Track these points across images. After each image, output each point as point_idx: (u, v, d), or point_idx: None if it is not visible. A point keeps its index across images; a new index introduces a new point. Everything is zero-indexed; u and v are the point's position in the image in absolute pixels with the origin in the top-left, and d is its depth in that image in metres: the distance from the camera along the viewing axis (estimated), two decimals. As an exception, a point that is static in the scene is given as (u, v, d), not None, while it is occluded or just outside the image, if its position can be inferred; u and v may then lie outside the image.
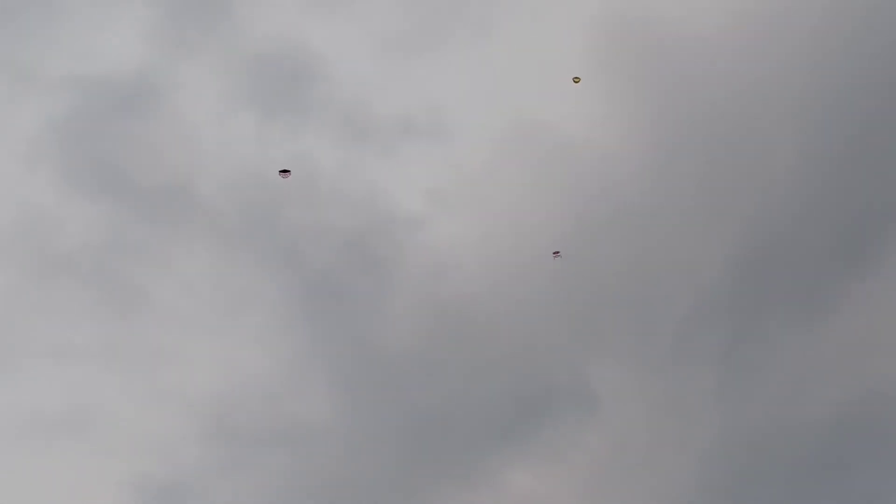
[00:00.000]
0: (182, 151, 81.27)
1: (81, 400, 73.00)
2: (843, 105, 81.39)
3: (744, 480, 72.98)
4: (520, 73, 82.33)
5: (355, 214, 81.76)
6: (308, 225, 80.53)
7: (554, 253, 68.76)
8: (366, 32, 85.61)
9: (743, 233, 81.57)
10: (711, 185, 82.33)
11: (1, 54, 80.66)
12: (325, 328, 79.13)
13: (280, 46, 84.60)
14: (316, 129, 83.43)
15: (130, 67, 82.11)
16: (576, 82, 68.16)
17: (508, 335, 78.71)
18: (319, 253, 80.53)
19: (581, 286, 79.66)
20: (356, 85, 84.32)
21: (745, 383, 76.99)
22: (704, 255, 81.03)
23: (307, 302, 79.71)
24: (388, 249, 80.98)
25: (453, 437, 75.47)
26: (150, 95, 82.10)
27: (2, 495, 68.19)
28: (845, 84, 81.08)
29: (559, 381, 78.22)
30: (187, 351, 76.02)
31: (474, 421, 76.02)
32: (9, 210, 77.63)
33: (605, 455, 75.65)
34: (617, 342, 79.28)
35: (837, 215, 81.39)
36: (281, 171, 65.52)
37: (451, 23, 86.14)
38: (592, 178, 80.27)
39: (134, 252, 78.49)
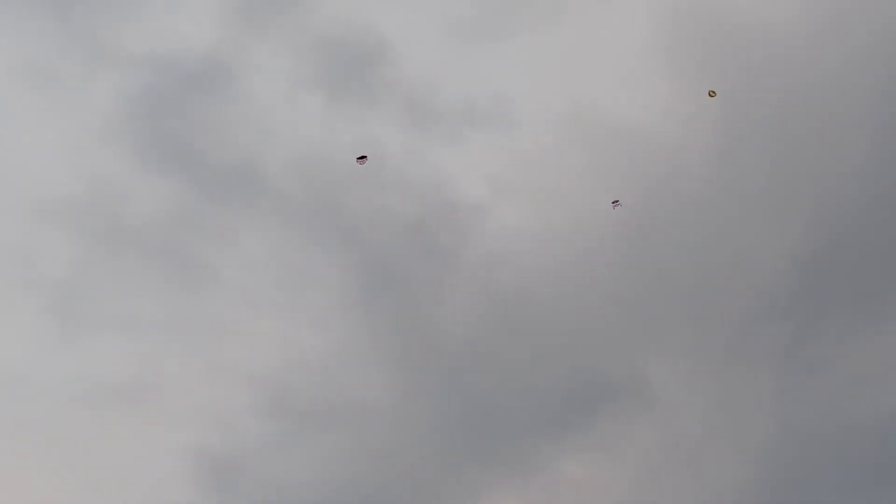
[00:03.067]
0: (251, 131, 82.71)
1: (144, 371, 74.87)
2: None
3: (795, 483, 72.01)
4: (586, 62, 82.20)
5: (418, 200, 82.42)
6: (371, 209, 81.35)
7: (613, 202, 67.85)
8: (434, 18, 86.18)
9: (808, 229, 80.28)
10: (777, 179, 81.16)
11: (79, 31, 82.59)
12: (383, 311, 80.00)
13: (349, 30, 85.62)
14: (382, 114, 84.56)
15: (203, 47, 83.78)
16: (711, 96, 67.40)
17: (566, 326, 78.66)
18: (381, 237, 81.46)
19: (640, 278, 79.25)
20: (423, 71, 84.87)
21: (803, 384, 75.97)
22: (767, 250, 79.92)
23: (367, 285, 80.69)
24: (448, 236, 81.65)
25: (506, 425, 75.64)
26: (222, 75, 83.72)
27: (66, 460, 70.58)
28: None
29: (615, 374, 78.10)
30: (248, 327, 77.40)
31: (528, 410, 76.20)
32: (81, 183, 79.69)
33: (657, 450, 75.16)
34: (675, 337, 78.74)
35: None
36: (358, 158, 65.55)
37: (519, 10, 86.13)
38: (656, 167, 79.60)
39: (200, 228, 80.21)
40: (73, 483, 69.53)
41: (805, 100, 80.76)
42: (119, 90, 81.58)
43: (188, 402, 74.00)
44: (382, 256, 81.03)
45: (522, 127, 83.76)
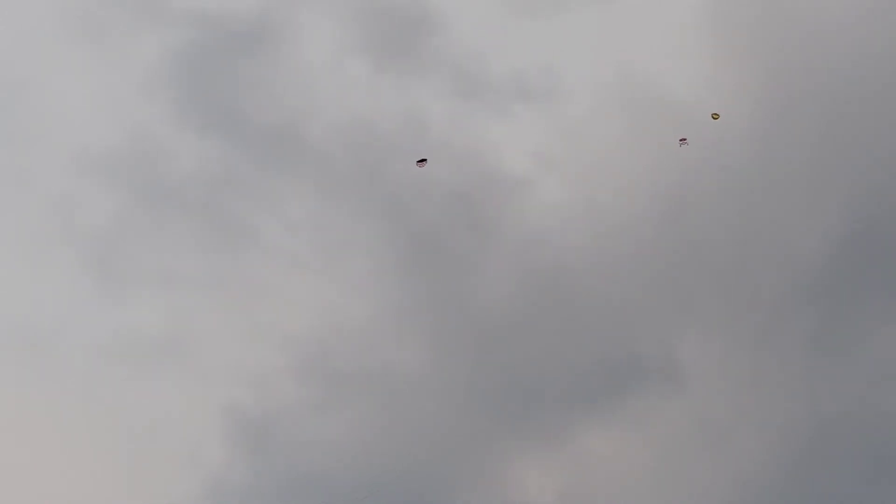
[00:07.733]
0: (295, 94, 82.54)
1: (181, 327, 75.18)
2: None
3: (821, 467, 72.74)
4: (633, 37, 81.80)
5: (461, 171, 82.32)
6: (414, 177, 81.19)
7: (681, 140, 67.73)
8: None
9: (844, 212, 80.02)
10: (816, 159, 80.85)
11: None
12: (421, 279, 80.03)
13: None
14: (428, 82, 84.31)
15: (251, 6, 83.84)
16: (714, 118, 67.60)
17: (600, 302, 78.93)
18: (423, 206, 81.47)
19: (675, 255, 79.44)
20: (472, 41, 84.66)
21: (833, 368, 76.20)
22: (803, 231, 79.80)
23: (406, 252, 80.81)
24: (490, 208, 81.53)
25: (536, 398, 75.96)
26: (268, 36, 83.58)
27: (100, 411, 70.90)
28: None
29: (646, 352, 78.30)
30: (286, 289, 77.59)
31: (558, 383, 76.48)
32: (122, 136, 79.74)
33: (685, 429, 75.75)
34: (707, 316, 79.08)
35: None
36: (419, 161, 65.95)
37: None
38: (697, 142, 79.33)
39: (241, 188, 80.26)
40: (106, 435, 69.94)
41: (847, 80, 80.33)
42: (164, 45, 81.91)
43: (223, 361, 74.34)
44: (423, 225, 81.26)
45: (570, 103, 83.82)
